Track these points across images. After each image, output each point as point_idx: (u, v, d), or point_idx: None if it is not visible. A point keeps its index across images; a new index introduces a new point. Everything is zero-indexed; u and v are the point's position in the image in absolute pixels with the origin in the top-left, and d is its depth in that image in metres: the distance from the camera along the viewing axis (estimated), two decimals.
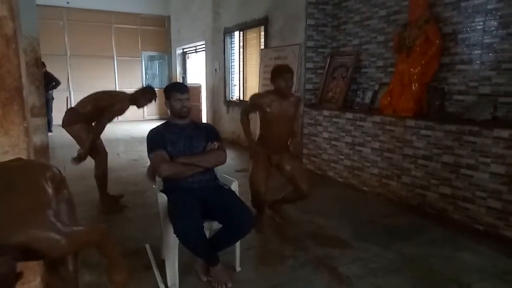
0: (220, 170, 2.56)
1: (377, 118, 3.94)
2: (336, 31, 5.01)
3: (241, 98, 7.12)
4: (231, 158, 5.65)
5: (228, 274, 2.29)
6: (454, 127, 3.16)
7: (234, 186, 2.44)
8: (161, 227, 2.24)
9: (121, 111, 3.47)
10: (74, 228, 1.29)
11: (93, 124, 3.50)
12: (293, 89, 3.24)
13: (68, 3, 9.53)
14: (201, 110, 9.09)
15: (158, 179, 2.44)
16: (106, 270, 1.57)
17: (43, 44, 3.42)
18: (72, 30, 9.85)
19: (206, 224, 2.15)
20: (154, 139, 2.33)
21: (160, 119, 10.87)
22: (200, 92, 9.08)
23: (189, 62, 10.67)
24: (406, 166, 3.62)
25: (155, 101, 3.73)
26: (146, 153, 2.36)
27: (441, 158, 3.28)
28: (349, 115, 4.31)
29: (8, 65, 1.62)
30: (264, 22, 5.89)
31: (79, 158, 3.45)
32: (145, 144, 2.35)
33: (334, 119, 4.54)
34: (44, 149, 3.00)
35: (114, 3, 10.02)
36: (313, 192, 3.12)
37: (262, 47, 6.07)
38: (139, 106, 3.63)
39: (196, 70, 10.31)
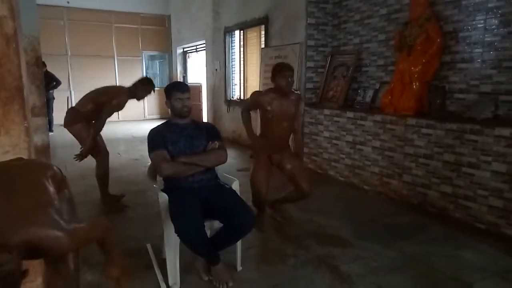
0: (221, 169, 2.56)
1: (378, 117, 3.94)
2: (336, 30, 5.01)
3: (242, 97, 7.11)
4: (232, 157, 5.66)
5: (229, 273, 2.29)
6: (455, 125, 3.16)
7: (235, 185, 2.43)
8: (162, 226, 2.24)
9: (120, 105, 3.44)
10: (76, 225, 1.29)
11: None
12: (294, 86, 3.22)
13: (68, 2, 9.52)
14: (201, 110, 9.09)
15: (159, 178, 2.44)
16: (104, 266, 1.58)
17: (44, 43, 3.42)
18: (72, 29, 9.84)
19: (207, 223, 2.15)
20: (155, 138, 2.33)
21: (161, 118, 10.87)
22: (201, 92, 9.08)
23: (189, 62, 10.67)
24: (407, 165, 3.62)
25: (153, 91, 3.68)
26: (147, 153, 2.36)
27: (442, 156, 3.28)
28: (350, 114, 4.31)
29: (8, 64, 1.62)
30: (264, 21, 5.88)
31: (81, 156, 3.45)
32: (146, 144, 2.35)
33: (335, 118, 4.53)
34: (45, 149, 3.00)
35: (114, 2, 10.01)
36: (314, 191, 3.12)
37: (263, 46, 6.06)
38: (139, 98, 3.60)
39: (196, 70, 10.30)
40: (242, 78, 7.06)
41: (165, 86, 2.52)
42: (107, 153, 3.60)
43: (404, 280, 2.30)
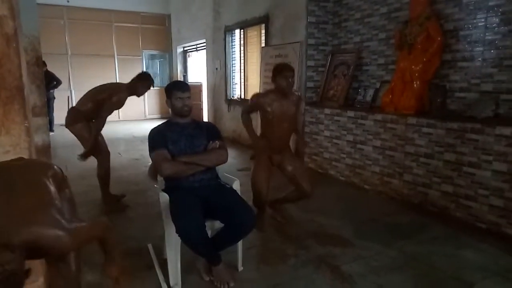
0: (221, 169, 2.56)
1: (378, 116, 3.93)
2: (337, 28, 5.00)
3: (242, 96, 7.11)
4: (233, 157, 5.65)
5: (230, 273, 2.29)
6: (456, 124, 3.15)
7: (236, 185, 2.43)
8: (163, 226, 2.24)
9: (120, 102, 3.42)
10: (78, 225, 1.30)
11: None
12: (294, 87, 3.22)
13: (68, 1, 9.50)
14: (202, 109, 9.08)
15: (159, 178, 2.44)
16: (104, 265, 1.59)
17: (44, 43, 3.42)
18: (72, 29, 9.83)
19: (208, 223, 2.15)
20: (156, 138, 2.33)
21: (161, 118, 10.86)
22: (201, 91, 9.07)
23: (190, 61, 10.66)
24: (408, 164, 3.61)
25: (153, 86, 3.67)
26: (147, 152, 2.36)
27: (443, 156, 3.27)
28: (351, 113, 4.30)
29: (8, 64, 1.62)
30: (264, 20, 5.87)
31: (84, 156, 3.45)
32: (147, 143, 2.35)
33: (336, 117, 4.53)
34: (45, 149, 3.00)
35: (114, 1, 10.00)
36: (315, 191, 3.11)
37: (263, 45, 6.06)
38: (139, 94, 3.57)
39: (197, 69, 10.30)
40: (242, 77, 7.05)
41: (165, 85, 2.52)
42: (108, 153, 3.60)
43: (404, 280, 2.30)
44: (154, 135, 2.35)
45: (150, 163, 2.52)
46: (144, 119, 10.87)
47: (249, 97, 6.84)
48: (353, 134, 4.28)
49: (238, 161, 5.49)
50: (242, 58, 6.97)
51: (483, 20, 3.30)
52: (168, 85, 2.48)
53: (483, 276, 2.33)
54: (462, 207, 3.14)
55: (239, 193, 2.37)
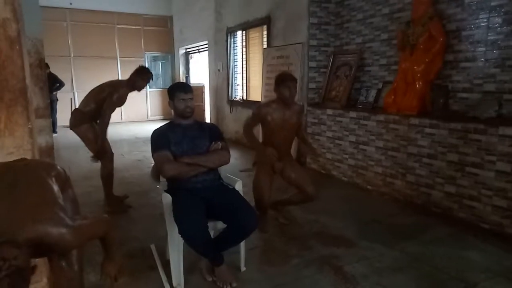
0: (224, 170, 2.56)
1: (381, 117, 3.93)
2: (339, 29, 5.00)
3: (244, 97, 7.11)
4: (235, 158, 5.65)
5: (232, 274, 2.29)
6: (458, 125, 3.14)
7: (238, 186, 2.43)
8: (166, 227, 2.24)
9: (121, 99, 3.42)
10: (80, 222, 1.32)
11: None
12: (297, 97, 3.22)
13: (71, 4, 9.56)
14: (204, 110, 9.09)
15: (162, 179, 2.44)
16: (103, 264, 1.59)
17: (47, 45, 3.43)
18: (75, 31, 9.88)
19: (210, 224, 2.16)
20: (158, 139, 2.33)
21: (164, 119, 10.89)
22: (203, 92, 9.09)
23: (192, 62, 10.69)
24: (411, 165, 3.60)
25: (152, 79, 3.66)
26: (150, 154, 2.36)
27: (446, 156, 3.26)
28: (353, 114, 4.30)
29: (12, 66, 1.63)
30: (266, 21, 5.88)
31: (96, 157, 3.47)
32: (149, 145, 2.36)
33: (338, 118, 4.52)
34: (48, 150, 3.00)
35: (116, 3, 10.05)
36: (319, 194, 3.09)
37: (265, 46, 6.06)
38: (139, 89, 3.55)
39: (199, 70, 10.32)
40: (244, 78, 7.06)
41: (168, 86, 2.52)
42: (112, 154, 3.60)
43: (408, 280, 2.30)
44: (157, 136, 2.36)
45: (152, 164, 2.52)
46: (147, 120, 10.90)
47: (251, 98, 6.88)
48: (355, 135, 4.27)
49: (240, 162, 5.50)
50: (244, 59, 6.98)
51: (485, 20, 3.29)
52: (170, 86, 2.49)
53: (486, 277, 2.32)
54: (466, 208, 3.12)
55: (242, 194, 2.38)
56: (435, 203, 3.38)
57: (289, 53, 5.26)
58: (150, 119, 11.06)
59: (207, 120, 8.70)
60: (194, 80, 10.40)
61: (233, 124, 7.36)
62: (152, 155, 2.32)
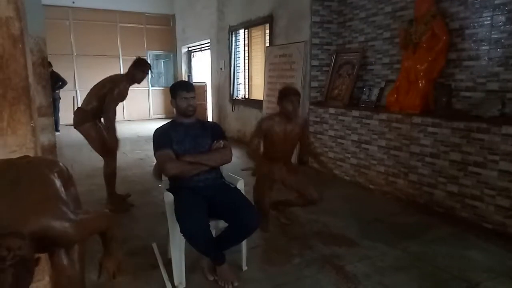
0: (226, 169, 2.56)
1: (383, 116, 3.92)
2: (341, 28, 4.98)
3: (247, 96, 7.11)
4: (237, 156, 5.64)
5: (234, 273, 2.29)
6: (461, 124, 3.13)
7: (240, 185, 2.43)
8: (168, 226, 2.25)
9: (121, 94, 3.41)
10: (83, 216, 1.34)
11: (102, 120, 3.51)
12: (300, 109, 3.20)
13: (73, 2, 9.57)
14: (206, 109, 9.10)
15: (164, 178, 2.44)
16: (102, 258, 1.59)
17: (49, 44, 3.44)
18: (78, 29, 9.90)
19: (212, 223, 2.16)
20: (160, 138, 2.33)
21: (166, 118, 10.90)
22: (206, 91, 9.09)
23: (194, 61, 10.69)
24: (413, 164, 3.59)
25: (151, 71, 3.65)
26: (152, 152, 2.37)
27: (448, 155, 3.25)
28: (355, 113, 4.29)
29: (15, 65, 1.63)
30: (269, 19, 5.87)
31: (110, 150, 3.48)
32: (151, 143, 2.36)
33: (340, 117, 4.51)
34: (51, 149, 3.02)
35: (119, 2, 10.05)
36: (323, 196, 3.05)
37: (267, 45, 6.05)
38: (138, 81, 3.54)
39: (201, 69, 10.32)
40: (246, 77, 7.06)
41: (170, 85, 2.52)
42: (116, 153, 3.61)
43: (409, 280, 2.29)
44: (159, 135, 2.36)
45: (154, 163, 2.53)
46: (149, 119, 10.91)
47: (253, 97, 6.88)
48: (357, 134, 4.26)
49: (242, 161, 5.49)
50: (247, 58, 6.97)
51: (489, 18, 3.28)
52: (172, 85, 2.49)
53: (488, 277, 2.31)
54: (468, 207, 3.11)
55: (243, 193, 2.38)
56: (438, 202, 3.37)
57: (292, 51, 5.25)
58: (152, 117, 11.07)
59: (209, 118, 8.70)
60: (196, 78, 10.40)
61: (235, 123, 7.36)
62: (154, 153, 2.32)
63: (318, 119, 4.89)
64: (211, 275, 2.30)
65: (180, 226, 2.06)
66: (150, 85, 11.01)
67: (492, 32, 3.26)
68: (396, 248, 2.71)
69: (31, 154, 1.70)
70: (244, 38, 6.93)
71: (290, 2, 5.29)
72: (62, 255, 1.47)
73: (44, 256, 1.52)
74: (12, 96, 1.64)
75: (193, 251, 2.17)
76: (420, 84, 3.63)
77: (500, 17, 3.20)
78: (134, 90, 3.53)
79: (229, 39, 7.31)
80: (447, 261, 2.51)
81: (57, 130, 7.61)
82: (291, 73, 5.25)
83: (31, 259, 1.10)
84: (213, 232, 2.25)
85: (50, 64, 6.09)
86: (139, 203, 3.72)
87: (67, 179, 1.53)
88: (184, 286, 2.21)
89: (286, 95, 2.82)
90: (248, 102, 6.93)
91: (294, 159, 3.23)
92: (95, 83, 3.56)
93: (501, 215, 2.88)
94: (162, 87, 11.12)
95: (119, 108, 3.51)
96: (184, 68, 10.76)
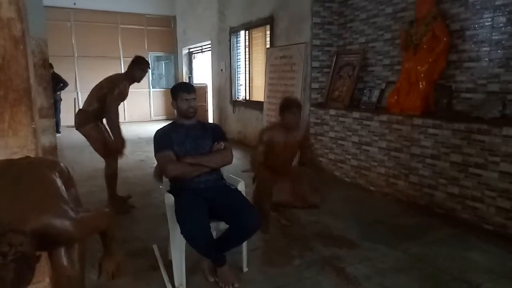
0: (226, 170, 2.56)
1: (384, 117, 3.91)
2: (342, 29, 4.99)
3: (247, 97, 7.11)
4: (237, 158, 5.66)
5: (235, 275, 2.29)
6: (462, 125, 3.13)
7: (241, 186, 2.43)
8: (168, 227, 2.25)
9: (122, 94, 3.40)
10: (83, 214, 1.35)
11: (104, 120, 3.51)
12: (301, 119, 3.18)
13: (75, 4, 9.59)
14: (207, 110, 9.10)
15: (165, 179, 2.44)
16: (102, 258, 1.59)
17: (51, 45, 3.44)
18: (79, 31, 9.92)
19: (212, 225, 2.16)
20: (161, 139, 2.34)
21: (167, 119, 10.91)
22: (206, 92, 9.10)
23: (195, 62, 10.70)
24: (414, 165, 3.59)
25: (149, 68, 3.64)
26: (153, 154, 2.37)
27: (449, 157, 3.25)
28: (356, 114, 4.29)
29: (16, 66, 1.63)
30: (269, 21, 5.88)
31: (116, 150, 3.47)
32: (152, 145, 2.36)
33: (341, 118, 4.51)
34: (52, 150, 3.02)
35: (120, 3, 10.07)
36: (321, 197, 3.05)
37: (268, 46, 6.06)
38: (138, 79, 3.54)
39: (202, 70, 10.33)
40: (247, 78, 7.06)
41: (171, 87, 2.52)
42: (122, 153, 3.61)
43: (410, 281, 2.29)
44: (160, 136, 2.36)
45: (155, 164, 2.53)
46: (150, 121, 10.92)
47: (254, 98, 6.88)
48: (358, 135, 4.26)
49: (243, 162, 5.50)
50: (247, 59, 6.98)
51: (489, 19, 3.28)
52: (173, 86, 2.49)
53: (489, 278, 2.31)
54: (469, 209, 3.11)
55: (244, 194, 2.38)
56: (438, 204, 3.37)
57: (292, 53, 5.25)
58: (153, 119, 11.08)
59: (210, 120, 8.71)
60: (197, 80, 10.41)
61: (236, 124, 7.36)
62: (155, 155, 2.32)
63: (319, 121, 4.89)
64: (211, 277, 2.30)
65: (180, 228, 2.06)
66: (151, 87, 11.02)
67: (493, 34, 3.26)
68: (396, 249, 2.70)
69: (32, 155, 1.70)
70: (245, 39, 6.94)
71: (291, 4, 5.30)
72: (62, 255, 1.47)
73: (44, 257, 1.52)
74: (13, 97, 1.64)
75: (193, 253, 2.17)
76: (420, 86, 3.63)
77: (501, 18, 3.20)
78: (135, 92, 3.53)
79: (230, 41, 7.32)
80: (448, 263, 2.50)
81: (58, 131, 7.63)
82: (292, 75, 5.25)
83: (33, 256, 1.11)
84: (214, 234, 2.25)
85: (51, 66, 6.11)
86: (139, 204, 3.72)
87: (68, 180, 1.54)
88: (185, 287, 2.21)
89: (288, 107, 2.81)
90: (249, 104, 6.93)
91: (294, 160, 3.21)
92: (96, 84, 3.56)
93: (502, 216, 2.87)
94: (163, 88, 11.13)
95: (120, 109, 3.51)
96: (185, 69, 10.77)
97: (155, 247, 2.75)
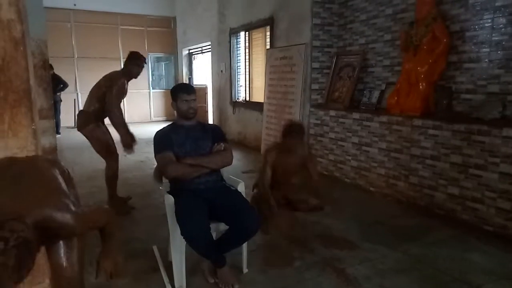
0: (226, 171, 2.56)
1: (384, 118, 3.92)
2: (342, 30, 4.99)
3: (248, 98, 7.12)
4: (237, 159, 5.65)
5: (235, 276, 2.29)
6: (462, 126, 3.13)
7: (241, 187, 2.43)
8: (168, 228, 2.24)
9: (120, 91, 3.40)
10: (84, 208, 1.38)
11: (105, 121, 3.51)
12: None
13: (75, 5, 9.60)
14: (207, 111, 9.10)
15: (165, 180, 2.44)
16: (100, 256, 1.58)
17: (51, 46, 3.44)
18: (79, 32, 9.92)
19: (213, 226, 2.16)
20: (161, 140, 2.34)
21: (167, 120, 10.91)
22: (206, 93, 9.10)
23: (195, 63, 10.70)
24: (414, 166, 3.59)
25: (145, 62, 3.64)
26: (152, 155, 2.37)
27: (449, 158, 3.25)
28: (356, 115, 4.29)
29: (16, 67, 1.63)
30: (269, 22, 5.88)
31: (127, 146, 3.50)
32: (152, 146, 2.36)
33: (341, 119, 4.51)
34: (52, 151, 3.01)
35: (120, 4, 10.08)
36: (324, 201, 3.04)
37: (268, 47, 6.06)
38: (135, 75, 3.54)
39: (202, 71, 10.33)
40: (247, 79, 7.06)
41: (171, 87, 2.52)
42: (117, 155, 3.61)
43: (410, 282, 2.29)
44: (160, 137, 2.36)
45: (155, 165, 2.53)
46: (150, 121, 10.91)
47: (254, 99, 6.88)
48: (358, 136, 4.26)
49: (243, 163, 5.50)
50: (247, 60, 6.98)
51: (489, 21, 3.28)
52: (173, 87, 2.49)
53: (490, 279, 2.31)
54: (469, 210, 3.11)
55: (244, 195, 2.38)
56: (438, 204, 3.37)
57: (292, 54, 5.26)
58: (153, 120, 11.08)
59: (210, 121, 8.71)
60: (197, 81, 10.41)
61: (236, 125, 7.36)
62: (155, 156, 2.32)
63: (319, 122, 4.89)
64: (211, 278, 2.29)
65: (180, 229, 2.06)
66: (151, 88, 11.03)
67: (493, 34, 3.26)
68: (396, 250, 2.70)
69: None
70: (245, 40, 6.94)
71: (291, 5, 5.31)
72: (61, 256, 1.47)
73: (44, 258, 1.52)
74: (13, 98, 1.64)
75: (193, 254, 2.17)
76: (420, 87, 3.63)
77: (501, 19, 3.20)
78: (135, 93, 3.53)
79: (230, 42, 7.32)
80: (448, 264, 2.50)
81: (58, 132, 7.63)
82: (292, 76, 5.26)
83: (34, 242, 1.12)
84: (214, 235, 2.25)
85: (51, 67, 6.11)
86: (139, 205, 3.72)
87: (68, 181, 1.54)
88: None
89: (290, 132, 2.80)
90: (249, 105, 6.94)
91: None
92: (95, 84, 3.56)
93: (502, 217, 2.87)
94: (163, 89, 11.13)
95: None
96: (185, 70, 10.77)
97: (155, 248, 2.75)
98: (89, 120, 3.42)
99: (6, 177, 1.27)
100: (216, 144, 2.39)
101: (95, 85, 3.51)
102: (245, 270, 2.43)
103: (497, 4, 3.21)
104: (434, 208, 3.40)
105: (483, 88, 3.35)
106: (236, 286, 2.22)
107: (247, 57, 6.97)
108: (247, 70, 7.01)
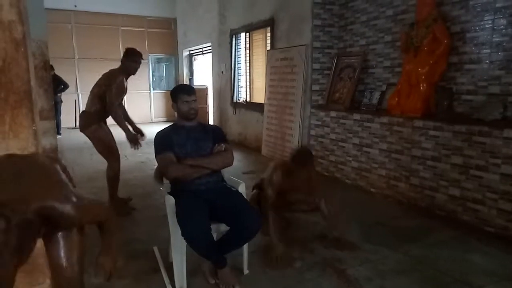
0: (227, 172, 2.56)
1: (384, 119, 3.91)
2: (342, 31, 4.99)
3: (248, 99, 7.12)
4: (238, 160, 5.66)
5: (235, 277, 2.29)
6: (463, 127, 3.13)
7: (241, 188, 2.43)
8: (169, 229, 2.24)
9: (120, 89, 3.40)
10: (85, 200, 1.39)
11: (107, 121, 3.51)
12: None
13: (76, 6, 9.61)
14: (208, 112, 9.11)
15: (165, 181, 2.44)
16: (99, 255, 1.58)
17: (51, 47, 3.45)
18: (80, 33, 9.94)
19: (213, 227, 2.16)
20: (162, 141, 2.34)
21: (168, 121, 10.91)
22: (207, 94, 9.10)
23: (195, 64, 10.71)
24: (415, 167, 3.59)
25: (142, 58, 3.64)
26: (153, 155, 2.37)
27: (450, 159, 3.25)
28: (357, 116, 4.29)
29: (17, 68, 1.64)
30: (270, 23, 5.89)
31: (132, 142, 3.51)
32: (153, 146, 2.36)
33: (341, 120, 4.51)
34: (53, 152, 3.01)
35: (121, 5, 10.09)
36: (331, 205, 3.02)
37: (269, 48, 6.07)
38: (133, 71, 3.55)
39: (202, 72, 10.34)
40: (248, 80, 7.07)
41: (171, 88, 2.52)
42: (119, 156, 3.61)
43: (411, 283, 2.28)
44: (160, 138, 2.36)
45: (156, 166, 2.53)
46: (150, 122, 10.91)
47: (255, 100, 6.88)
48: (359, 137, 4.26)
49: (243, 164, 5.50)
50: (248, 61, 6.98)
51: (490, 22, 3.28)
52: (174, 88, 2.49)
53: (491, 280, 2.30)
54: (470, 211, 3.10)
55: (245, 196, 2.38)
56: (439, 206, 3.36)
57: (293, 55, 5.26)
58: (153, 121, 11.08)
59: (211, 122, 8.71)
60: (197, 82, 10.42)
61: (236, 126, 7.36)
62: (156, 157, 2.32)
63: (319, 123, 4.89)
64: (212, 279, 2.29)
65: (181, 230, 2.05)
66: (151, 89, 11.03)
67: (494, 36, 3.26)
68: (397, 251, 2.70)
69: None
70: (246, 41, 6.95)
71: (291, 6, 5.31)
72: (61, 256, 1.47)
73: (44, 258, 1.52)
74: (14, 99, 1.64)
75: (194, 255, 2.17)
76: (421, 88, 3.63)
77: (502, 21, 3.20)
78: (136, 93, 3.53)
79: (230, 43, 7.33)
80: (449, 265, 2.50)
81: (58, 133, 7.64)
82: (292, 77, 5.26)
83: (35, 225, 1.13)
84: (215, 236, 2.24)
85: (52, 68, 6.12)
86: (140, 206, 3.72)
87: (68, 179, 1.54)
88: None
89: (299, 159, 2.69)
90: (250, 106, 6.94)
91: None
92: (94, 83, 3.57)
93: (503, 218, 2.87)
94: (164, 90, 11.14)
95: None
96: (185, 71, 10.78)
97: (155, 249, 2.75)
98: (91, 121, 3.42)
99: (8, 171, 1.28)
100: (216, 145, 2.39)
101: (95, 84, 3.53)
102: (246, 271, 2.43)
103: (497, 5, 3.22)
104: (435, 209, 3.40)
105: (483, 89, 3.35)
106: (237, 287, 2.22)
107: (247, 58, 6.98)
108: (248, 71, 7.01)
